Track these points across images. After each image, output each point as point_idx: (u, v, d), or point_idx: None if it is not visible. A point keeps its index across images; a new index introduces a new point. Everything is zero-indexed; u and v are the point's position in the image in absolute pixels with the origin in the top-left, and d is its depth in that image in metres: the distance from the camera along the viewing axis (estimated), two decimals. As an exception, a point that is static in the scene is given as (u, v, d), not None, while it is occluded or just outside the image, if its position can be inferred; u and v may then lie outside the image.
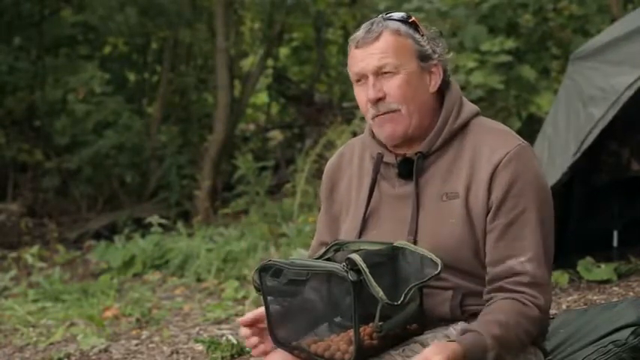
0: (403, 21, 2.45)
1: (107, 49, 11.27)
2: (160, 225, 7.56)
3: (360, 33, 2.45)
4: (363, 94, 2.45)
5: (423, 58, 2.44)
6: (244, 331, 2.40)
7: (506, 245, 2.36)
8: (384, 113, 2.43)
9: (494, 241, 2.37)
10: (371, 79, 2.42)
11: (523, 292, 2.34)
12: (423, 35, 2.45)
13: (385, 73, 2.41)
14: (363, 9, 10.93)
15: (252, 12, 11.42)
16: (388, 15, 2.46)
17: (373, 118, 2.45)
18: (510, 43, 7.24)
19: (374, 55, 2.41)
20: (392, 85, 2.41)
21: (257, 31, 11.79)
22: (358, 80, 2.45)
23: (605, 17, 7.62)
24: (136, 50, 11.37)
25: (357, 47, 2.44)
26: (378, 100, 2.42)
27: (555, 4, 8.02)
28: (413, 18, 2.46)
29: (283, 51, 12.03)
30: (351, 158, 2.60)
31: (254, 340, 2.38)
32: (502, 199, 2.37)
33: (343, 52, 11.96)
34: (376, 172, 2.50)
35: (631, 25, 4.63)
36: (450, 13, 7.49)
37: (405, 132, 2.43)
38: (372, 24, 2.44)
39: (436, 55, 2.46)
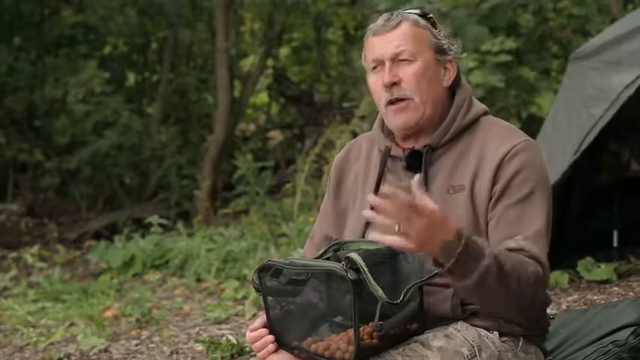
0: (421, 15, 2.51)
1: (107, 49, 11.26)
2: (160, 225, 7.55)
3: (378, 22, 2.50)
4: (378, 81, 2.48)
5: (440, 51, 2.49)
6: (251, 335, 2.37)
7: (504, 227, 2.36)
8: (398, 100, 2.45)
9: (494, 226, 2.38)
10: (387, 64, 2.46)
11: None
12: (440, 31, 2.52)
13: (402, 60, 2.45)
14: (363, 9, 10.92)
15: (252, 12, 11.40)
16: (406, 10, 2.52)
17: (387, 105, 2.47)
18: (510, 43, 7.24)
19: (392, 42, 2.45)
20: (408, 72, 2.45)
21: (257, 31, 11.78)
22: (374, 67, 2.49)
23: (605, 17, 7.62)
24: (135, 50, 11.35)
25: (375, 35, 2.49)
26: (393, 85, 2.45)
27: (555, 4, 8.02)
28: (431, 15, 2.53)
29: (283, 51, 12.02)
30: (358, 154, 2.63)
31: (260, 343, 2.35)
32: (504, 187, 2.39)
33: (343, 52, 11.95)
34: (384, 164, 2.51)
35: (631, 24, 4.62)
36: (450, 14, 7.48)
37: (417, 122, 2.46)
38: (391, 14, 2.50)
39: (452, 52, 2.52)
